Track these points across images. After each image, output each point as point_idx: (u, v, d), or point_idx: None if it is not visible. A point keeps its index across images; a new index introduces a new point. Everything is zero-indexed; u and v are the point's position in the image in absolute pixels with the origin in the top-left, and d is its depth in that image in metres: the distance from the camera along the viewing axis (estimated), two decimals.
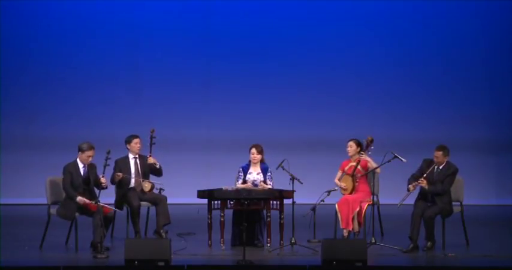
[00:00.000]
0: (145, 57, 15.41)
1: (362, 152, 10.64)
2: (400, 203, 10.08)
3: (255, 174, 10.69)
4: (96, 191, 10.08)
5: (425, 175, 10.20)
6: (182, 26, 15.40)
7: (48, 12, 15.26)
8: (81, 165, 10.16)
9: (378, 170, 10.61)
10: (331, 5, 15.43)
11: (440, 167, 10.28)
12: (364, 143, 10.64)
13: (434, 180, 10.20)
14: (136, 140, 10.93)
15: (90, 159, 10.13)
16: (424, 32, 15.46)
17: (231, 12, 15.45)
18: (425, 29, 15.47)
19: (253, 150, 10.69)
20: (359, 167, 10.68)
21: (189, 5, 15.43)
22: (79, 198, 9.90)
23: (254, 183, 10.61)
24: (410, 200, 10.47)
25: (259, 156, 10.67)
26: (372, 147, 10.56)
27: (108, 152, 9.93)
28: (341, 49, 15.43)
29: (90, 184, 10.11)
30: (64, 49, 15.28)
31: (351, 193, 10.72)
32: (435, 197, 10.18)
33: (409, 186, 10.16)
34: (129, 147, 10.96)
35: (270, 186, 10.58)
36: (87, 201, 9.90)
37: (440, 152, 10.28)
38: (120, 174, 10.75)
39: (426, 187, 10.13)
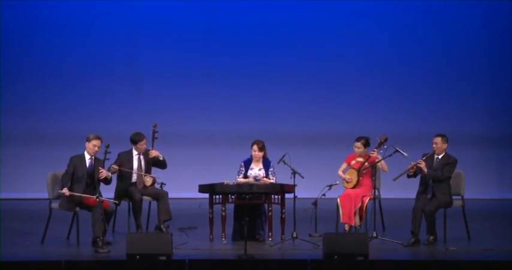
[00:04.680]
0: (146, 51, 15.39)
1: (374, 150, 10.59)
2: (395, 178, 10.06)
3: (256, 169, 10.67)
4: (102, 185, 10.08)
5: (424, 158, 10.22)
6: (183, 21, 15.38)
7: (48, 7, 15.23)
8: (87, 157, 10.14)
9: (386, 169, 10.57)
10: (331, 1, 15.41)
11: (440, 157, 10.29)
12: (378, 141, 10.58)
13: (434, 169, 10.21)
14: (142, 142, 10.89)
15: (97, 149, 10.08)
16: (426, 26, 15.44)
17: (232, 6, 15.43)
18: (427, 23, 15.45)
19: (255, 147, 10.64)
20: (366, 163, 10.64)
21: None
22: (64, 190, 9.85)
23: (256, 179, 10.58)
24: (411, 194, 10.48)
25: (260, 154, 10.63)
26: (385, 146, 10.50)
27: (107, 146, 9.91)
28: (341, 44, 15.40)
29: (94, 178, 10.07)
30: (64, 44, 15.26)
31: (354, 187, 10.70)
32: (435, 189, 10.18)
33: (409, 166, 10.16)
34: (134, 147, 10.94)
35: (272, 181, 10.55)
36: (67, 193, 9.83)
37: (439, 138, 10.31)
38: (115, 166, 10.69)
39: (425, 170, 10.12)
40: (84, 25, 15.27)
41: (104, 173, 10.00)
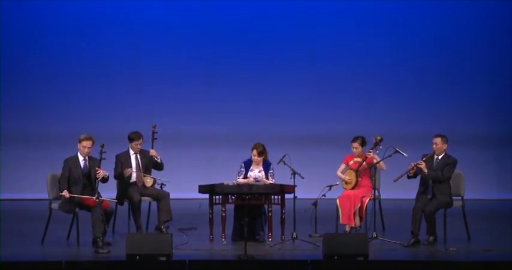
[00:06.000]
0: (147, 53, 15.39)
1: (370, 151, 10.57)
2: (396, 179, 10.07)
3: (256, 171, 10.66)
4: (100, 185, 10.09)
5: (424, 159, 10.23)
6: (183, 23, 15.38)
7: (49, 8, 15.23)
8: (81, 158, 10.15)
9: (384, 167, 10.56)
10: (331, 2, 15.41)
11: (440, 157, 10.30)
12: (373, 142, 10.57)
13: (434, 170, 10.21)
14: (137, 142, 10.88)
15: (87, 150, 10.08)
16: (424, 26, 15.45)
17: (232, 8, 15.43)
18: (425, 24, 15.45)
19: (254, 151, 10.61)
20: (364, 163, 10.63)
21: (190, 0, 15.41)
22: (64, 192, 9.86)
23: (256, 180, 10.58)
24: (411, 194, 10.49)
25: (259, 159, 10.62)
26: (381, 147, 10.48)
27: (102, 146, 9.94)
28: (340, 45, 15.41)
29: (91, 178, 10.08)
30: (64, 45, 15.27)
31: (353, 188, 10.69)
32: (435, 189, 10.18)
33: (409, 166, 10.17)
34: (130, 146, 10.95)
35: (271, 182, 10.55)
36: (67, 195, 9.86)
37: (439, 138, 10.32)
38: (129, 169, 10.70)
39: (425, 171, 10.13)
40: (85, 27, 15.27)
41: (101, 173, 10.01)
